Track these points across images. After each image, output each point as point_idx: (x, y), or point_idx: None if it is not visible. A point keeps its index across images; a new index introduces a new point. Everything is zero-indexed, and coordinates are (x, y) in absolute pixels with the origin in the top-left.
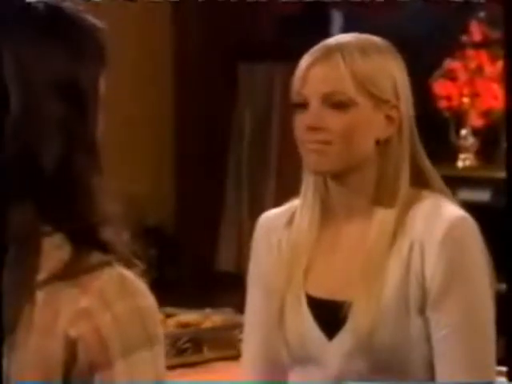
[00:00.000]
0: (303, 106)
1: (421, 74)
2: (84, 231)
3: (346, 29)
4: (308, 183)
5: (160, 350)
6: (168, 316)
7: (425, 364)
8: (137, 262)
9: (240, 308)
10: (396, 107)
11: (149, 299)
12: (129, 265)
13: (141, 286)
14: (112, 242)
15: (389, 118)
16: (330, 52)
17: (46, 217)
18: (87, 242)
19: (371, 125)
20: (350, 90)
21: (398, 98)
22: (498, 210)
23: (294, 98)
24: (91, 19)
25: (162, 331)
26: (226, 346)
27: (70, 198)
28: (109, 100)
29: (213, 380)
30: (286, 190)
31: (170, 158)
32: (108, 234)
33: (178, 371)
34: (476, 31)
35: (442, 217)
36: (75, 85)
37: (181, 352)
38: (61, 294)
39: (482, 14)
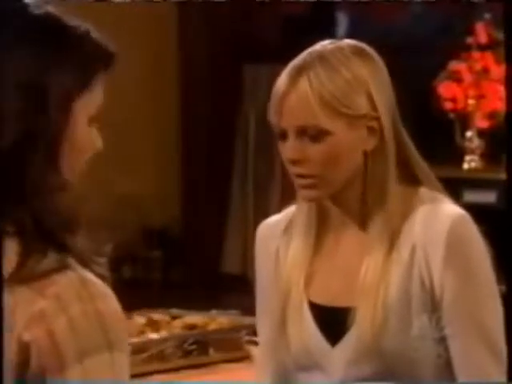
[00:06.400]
0: (283, 136)
1: (426, 76)
2: (43, 231)
3: (351, 30)
4: None
5: (121, 356)
6: (174, 317)
7: (431, 365)
8: (98, 262)
9: (246, 309)
10: (376, 118)
11: (110, 303)
12: (90, 267)
13: (103, 290)
14: (71, 243)
15: (371, 128)
16: (297, 78)
17: (4, 214)
18: (46, 242)
19: (354, 142)
20: (321, 120)
21: (375, 109)
22: (504, 211)
23: (273, 128)
24: (82, 28)
25: (127, 337)
26: (231, 347)
27: (24, 195)
28: (115, 102)
29: (218, 381)
30: (292, 192)
31: (175, 160)
32: (67, 235)
33: (184, 373)
34: (481, 33)
35: (441, 217)
36: (40, 87)
37: (187, 353)
38: (18, 297)
39: (487, 16)
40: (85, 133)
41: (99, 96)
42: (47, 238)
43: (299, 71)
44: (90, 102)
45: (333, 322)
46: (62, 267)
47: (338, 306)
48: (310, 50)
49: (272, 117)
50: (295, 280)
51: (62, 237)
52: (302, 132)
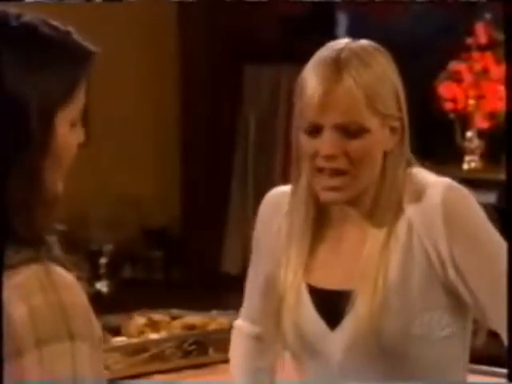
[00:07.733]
0: (315, 131)
1: (426, 76)
2: (16, 240)
3: (351, 30)
4: (301, 183)
5: (83, 346)
6: (174, 318)
7: (433, 351)
8: (72, 267)
9: None
10: (399, 118)
11: (76, 295)
12: (63, 266)
13: (68, 281)
14: (44, 241)
15: (392, 128)
16: (340, 74)
17: None
18: (19, 245)
19: (383, 141)
20: (364, 117)
21: (400, 108)
22: (504, 211)
23: (305, 124)
24: (61, 33)
25: (92, 328)
26: None
27: (2, 208)
28: (115, 103)
29: (218, 381)
30: None
31: (175, 160)
32: (40, 244)
33: (184, 373)
34: (481, 33)
35: (430, 190)
36: (21, 102)
37: (186, 354)
38: None
39: (487, 16)
40: (67, 140)
41: (82, 99)
42: (21, 244)
43: (339, 67)
44: (73, 108)
45: (332, 305)
46: (30, 260)
47: (337, 289)
48: (335, 46)
49: (308, 112)
50: (293, 268)
51: (35, 246)
52: (341, 128)
